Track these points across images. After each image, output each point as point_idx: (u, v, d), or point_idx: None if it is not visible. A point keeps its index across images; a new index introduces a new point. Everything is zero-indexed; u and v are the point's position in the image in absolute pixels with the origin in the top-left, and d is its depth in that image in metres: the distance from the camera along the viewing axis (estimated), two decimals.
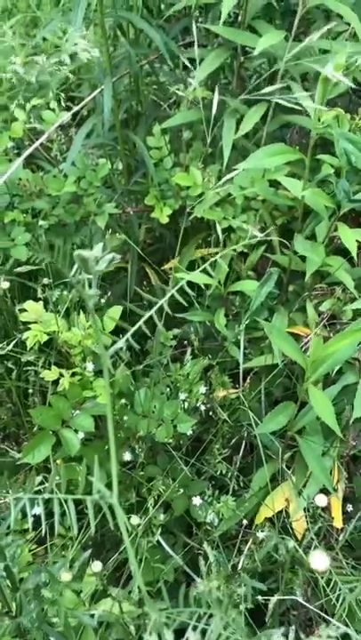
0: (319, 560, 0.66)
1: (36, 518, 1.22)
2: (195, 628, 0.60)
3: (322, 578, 1.03)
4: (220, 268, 1.37)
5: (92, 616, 1.02)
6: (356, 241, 1.19)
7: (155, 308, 0.91)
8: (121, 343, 0.67)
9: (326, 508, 1.19)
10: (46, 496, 0.63)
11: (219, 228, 1.18)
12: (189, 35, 1.76)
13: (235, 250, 1.35)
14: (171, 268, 1.61)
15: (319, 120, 1.13)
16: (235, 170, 1.09)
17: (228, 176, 1.06)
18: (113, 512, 0.66)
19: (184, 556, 1.26)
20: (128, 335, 0.67)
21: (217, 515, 1.19)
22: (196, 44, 1.26)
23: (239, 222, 1.26)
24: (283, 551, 0.89)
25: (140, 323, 0.82)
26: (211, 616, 0.63)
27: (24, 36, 1.72)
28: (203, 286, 1.46)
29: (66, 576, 0.75)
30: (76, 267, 0.62)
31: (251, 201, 1.41)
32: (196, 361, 1.35)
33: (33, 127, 1.53)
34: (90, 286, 0.62)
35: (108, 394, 0.56)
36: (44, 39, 1.70)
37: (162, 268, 1.62)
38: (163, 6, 1.57)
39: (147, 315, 0.87)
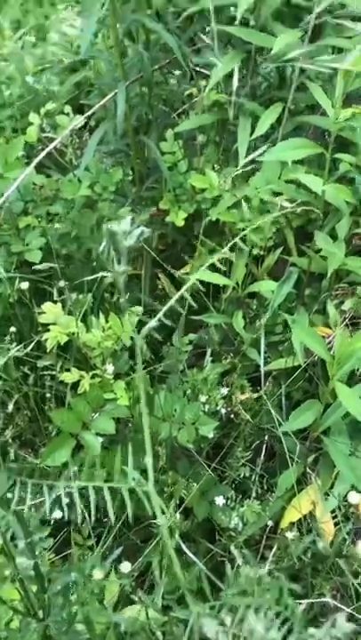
0: None
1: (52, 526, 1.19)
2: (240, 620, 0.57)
3: (353, 582, 1.00)
4: (237, 268, 1.35)
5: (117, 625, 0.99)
6: None
7: (172, 300, 0.89)
8: (153, 322, 0.65)
9: (353, 513, 1.16)
10: (82, 483, 0.61)
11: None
12: (195, 43, 1.77)
13: (251, 251, 1.34)
14: (185, 274, 1.59)
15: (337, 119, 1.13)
16: (254, 163, 1.08)
17: (249, 158, 1.05)
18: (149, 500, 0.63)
19: (206, 564, 1.23)
20: (160, 315, 0.65)
21: (241, 519, 1.16)
22: (215, 41, 1.26)
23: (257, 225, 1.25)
24: (320, 545, 0.85)
25: (166, 307, 0.80)
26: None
27: (35, 40, 1.73)
28: (219, 288, 1.44)
29: (98, 574, 0.72)
30: (104, 243, 0.61)
31: (267, 203, 1.40)
32: (216, 365, 1.33)
33: (44, 136, 1.52)
34: (119, 263, 0.61)
35: (141, 371, 0.53)
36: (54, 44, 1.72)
37: (176, 273, 1.61)
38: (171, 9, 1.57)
39: (170, 303, 0.85)
